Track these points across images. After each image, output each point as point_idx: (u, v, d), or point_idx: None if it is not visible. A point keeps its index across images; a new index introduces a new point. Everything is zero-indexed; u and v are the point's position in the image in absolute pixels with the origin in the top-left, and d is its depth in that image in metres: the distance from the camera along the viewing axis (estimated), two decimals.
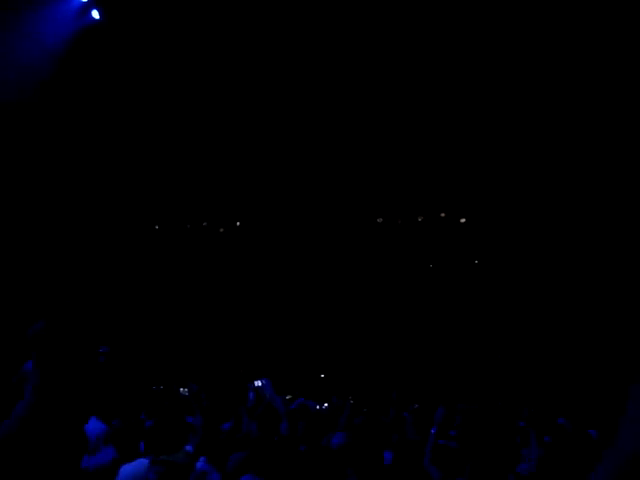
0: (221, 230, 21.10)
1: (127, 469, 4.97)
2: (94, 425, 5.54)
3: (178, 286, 19.80)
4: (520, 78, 15.11)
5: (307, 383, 17.41)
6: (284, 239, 20.38)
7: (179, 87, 16.06)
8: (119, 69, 14.93)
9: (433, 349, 19.20)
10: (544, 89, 15.22)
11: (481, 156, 17.43)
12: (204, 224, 21.04)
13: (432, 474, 5.24)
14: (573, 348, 17.07)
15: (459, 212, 19.99)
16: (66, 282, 14.14)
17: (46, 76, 12.76)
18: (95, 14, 13.65)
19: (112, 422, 6.27)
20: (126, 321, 16.49)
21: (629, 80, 13.61)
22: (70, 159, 14.76)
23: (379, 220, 20.52)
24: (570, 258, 17.56)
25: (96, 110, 14.91)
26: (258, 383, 6.93)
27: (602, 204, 16.51)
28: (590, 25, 12.83)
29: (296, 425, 6.30)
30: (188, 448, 5.15)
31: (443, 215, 20.19)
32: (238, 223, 21.02)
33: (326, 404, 11.07)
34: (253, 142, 17.77)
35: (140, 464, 4.98)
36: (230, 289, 20.11)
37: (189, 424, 5.67)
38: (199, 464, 5.16)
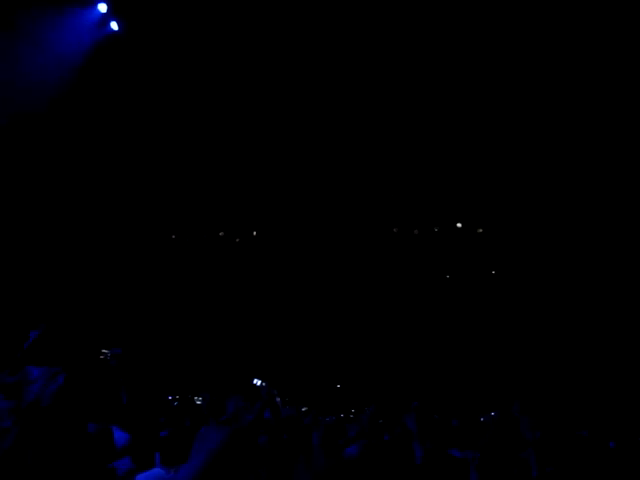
0: (237, 240, 21.13)
1: (142, 478, 4.94)
2: (118, 435, 5.48)
3: (194, 295, 19.83)
4: (537, 91, 15.06)
5: (322, 394, 17.35)
6: (300, 249, 20.37)
7: (197, 97, 16.15)
8: (137, 79, 15.04)
9: (450, 359, 19.08)
10: (561, 102, 15.17)
11: (498, 167, 17.35)
12: (220, 234, 21.09)
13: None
14: (591, 359, 16.89)
15: (476, 222, 19.88)
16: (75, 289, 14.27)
17: (65, 87, 12.88)
18: (114, 25, 13.78)
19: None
20: (143, 329, 16.53)
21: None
22: (89, 168, 14.87)
23: (395, 230, 20.45)
24: (587, 270, 17.42)
25: (114, 120, 15.03)
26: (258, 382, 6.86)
27: (616, 214, 16.39)
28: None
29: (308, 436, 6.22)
30: None
31: (459, 225, 20.07)
32: (255, 233, 21.04)
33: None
34: (271, 154, 17.81)
35: (156, 473, 4.94)
36: (246, 298, 20.12)
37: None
38: None
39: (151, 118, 16.08)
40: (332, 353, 19.68)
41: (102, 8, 13.45)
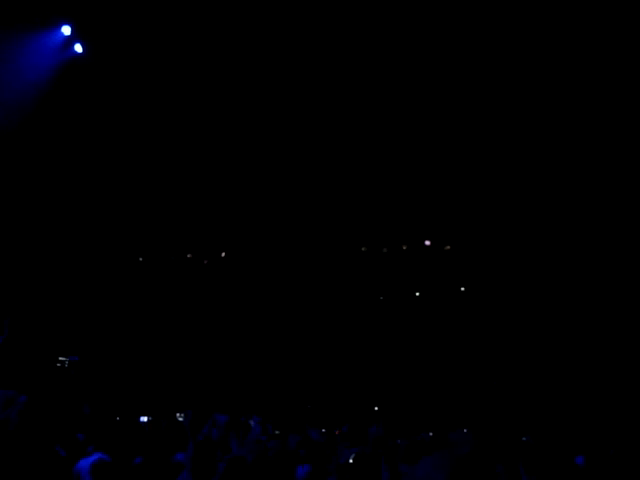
0: (205, 262, 21.03)
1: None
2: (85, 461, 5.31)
3: (164, 318, 19.64)
4: (509, 107, 15.32)
5: (298, 414, 17.24)
6: (269, 269, 20.33)
7: (161, 119, 16.14)
8: (101, 101, 14.99)
9: (421, 377, 19.12)
10: (533, 120, 15.43)
11: (464, 184, 17.57)
12: (188, 256, 20.96)
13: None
14: (560, 371, 17.06)
15: (444, 239, 20.06)
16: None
17: (29, 108, 12.79)
18: (78, 47, 13.76)
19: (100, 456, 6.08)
20: (111, 350, 16.33)
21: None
22: (54, 189, 14.73)
23: (363, 249, 20.54)
24: (559, 284, 17.65)
25: (80, 141, 14.94)
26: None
27: (590, 232, 16.68)
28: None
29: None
30: None
31: (428, 243, 20.24)
32: (223, 254, 20.96)
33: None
34: (237, 174, 17.81)
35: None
36: (216, 318, 19.98)
37: (178, 463, 5.53)
38: None
39: (116, 140, 16.02)
40: (303, 371, 19.60)
41: (66, 31, 13.44)
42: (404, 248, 20.41)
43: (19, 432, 2.13)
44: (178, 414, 12.10)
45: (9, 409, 2.20)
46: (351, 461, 6.70)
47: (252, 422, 8.77)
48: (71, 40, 13.64)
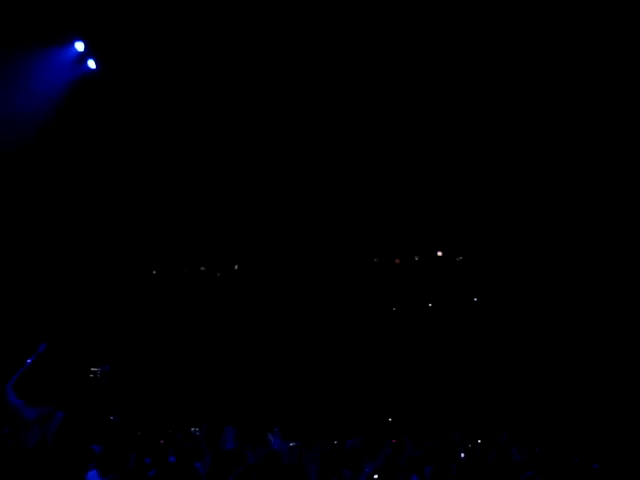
0: (218, 274, 21.11)
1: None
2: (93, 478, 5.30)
3: (177, 331, 19.73)
4: (510, 119, 15.33)
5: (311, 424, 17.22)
6: (282, 282, 20.38)
7: (173, 133, 16.30)
8: (114, 117, 15.18)
9: (434, 387, 19.06)
10: (535, 130, 15.43)
11: (476, 195, 17.57)
12: (202, 268, 21.06)
13: None
14: (573, 383, 16.96)
15: (456, 250, 20.04)
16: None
17: (43, 124, 12.98)
18: (91, 63, 13.96)
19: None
20: (123, 364, 16.40)
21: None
22: (68, 203, 14.91)
23: (376, 260, 20.56)
24: (568, 296, 17.58)
25: (93, 155, 15.12)
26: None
27: (597, 245, 16.63)
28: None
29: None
30: None
31: (440, 254, 20.22)
32: (236, 267, 21.04)
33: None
34: (251, 187, 17.92)
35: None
36: (229, 331, 20.04)
37: (195, 473, 5.55)
38: None
39: (128, 154, 16.19)
40: (316, 383, 19.58)
41: (79, 47, 13.65)
42: (416, 259, 20.40)
43: (57, 448, 2.18)
44: (193, 429, 12.14)
45: (46, 425, 2.25)
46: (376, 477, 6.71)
47: (271, 435, 8.78)
48: (84, 56, 13.85)
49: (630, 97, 13.74)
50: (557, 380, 17.33)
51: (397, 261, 19.77)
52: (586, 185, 15.93)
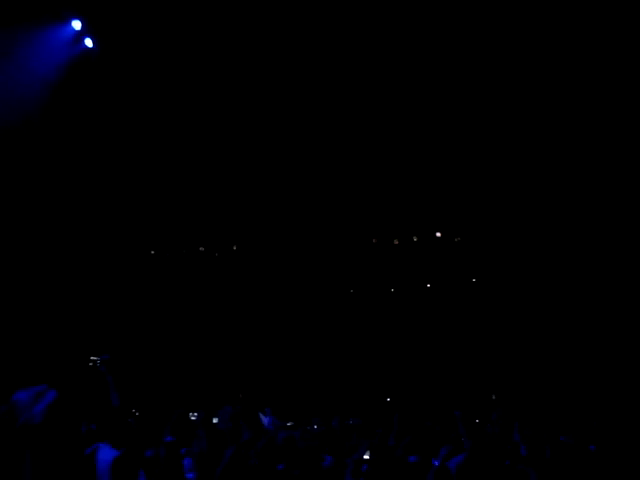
0: (217, 254, 21.10)
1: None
2: (106, 453, 5.19)
3: (175, 311, 19.74)
4: (517, 101, 15.25)
5: (310, 406, 17.30)
6: (281, 262, 20.38)
7: (172, 113, 16.19)
8: (112, 96, 15.05)
9: (432, 369, 19.14)
10: (539, 113, 15.37)
11: (474, 175, 17.52)
12: (201, 249, 21.05)
13: None
14: (571, 364, 17.04)
15: (454, 231, 20.03)
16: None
17: (39, 103, 12.85)
18: (88, 42, 13.80)
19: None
20: (122, 345, 16.43)
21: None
22: (63, 185, 14.82)
23: (374, 240, 20.55)
24: (567, 275, 17.60)
25: (90, 137, 15.00)
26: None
27: (595, 223, 16.61)
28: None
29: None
30: (189, 476, 5.06)
31: (439, 235, 20.22)
32: (235, 247, 21.02)
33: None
34: (248, 167, 17.85)
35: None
36: (229, 312, 20.07)
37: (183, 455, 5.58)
38: None
39: (126, 135, 16.08)
40: (313, 364, 19.66)
41: (76, 25, 13.48)
42: (415, 240, 20.39)
43: (45, 426, 2.13)
44: (190, 413, 12.13)
45: (38, 401, 2.21)
46: (366, 457, 6.73)
47: (262, 414, 8.82)
48: (81, 35, 13.68)
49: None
50: (556, 361, 17.41)
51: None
52: (584, 166, 15.89)
